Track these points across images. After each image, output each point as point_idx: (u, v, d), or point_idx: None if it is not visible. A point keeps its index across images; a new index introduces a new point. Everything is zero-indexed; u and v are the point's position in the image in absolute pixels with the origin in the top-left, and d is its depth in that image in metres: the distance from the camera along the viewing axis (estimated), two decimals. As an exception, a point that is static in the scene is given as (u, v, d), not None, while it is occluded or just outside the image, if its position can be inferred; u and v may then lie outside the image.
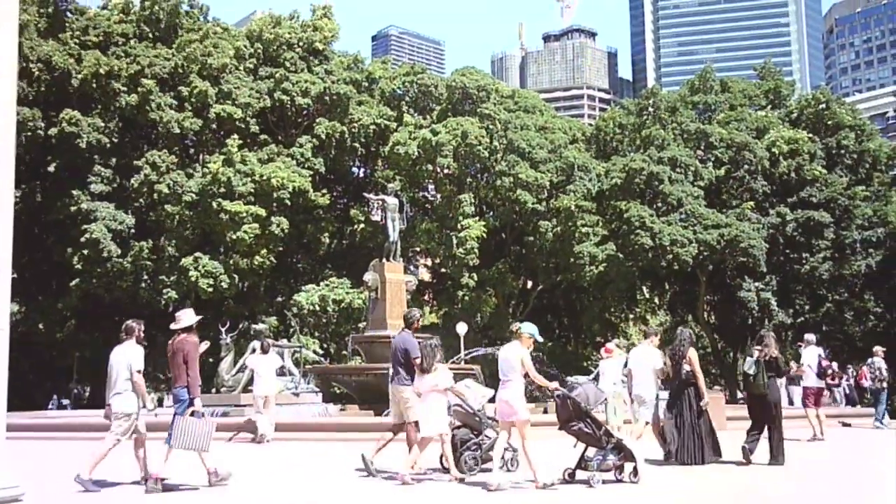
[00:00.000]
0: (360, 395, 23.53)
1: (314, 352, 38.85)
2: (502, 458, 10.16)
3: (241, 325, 31.67)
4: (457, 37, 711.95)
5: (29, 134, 39.87)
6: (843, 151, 49.62)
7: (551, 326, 54.14)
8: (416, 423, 10.60)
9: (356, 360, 28.36)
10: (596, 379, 25.27)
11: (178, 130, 41.93)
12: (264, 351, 17.33)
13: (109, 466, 10.39)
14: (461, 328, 36.96)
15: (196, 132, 43.08)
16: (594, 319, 50.41)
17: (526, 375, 9.83)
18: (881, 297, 47.99)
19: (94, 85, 41.13)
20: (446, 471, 10.75)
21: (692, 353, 12.00)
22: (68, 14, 45.28)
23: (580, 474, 9.99)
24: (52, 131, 40.00)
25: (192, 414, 9.90)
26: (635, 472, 10.13)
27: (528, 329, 10.12)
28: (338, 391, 27.73)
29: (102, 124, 41.12)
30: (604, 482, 9.79)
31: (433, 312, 51.20)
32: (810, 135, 48.77)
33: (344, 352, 38.87)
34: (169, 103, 42.13)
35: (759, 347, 12.48)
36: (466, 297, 44.92)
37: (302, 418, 20.10)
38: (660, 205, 45.04)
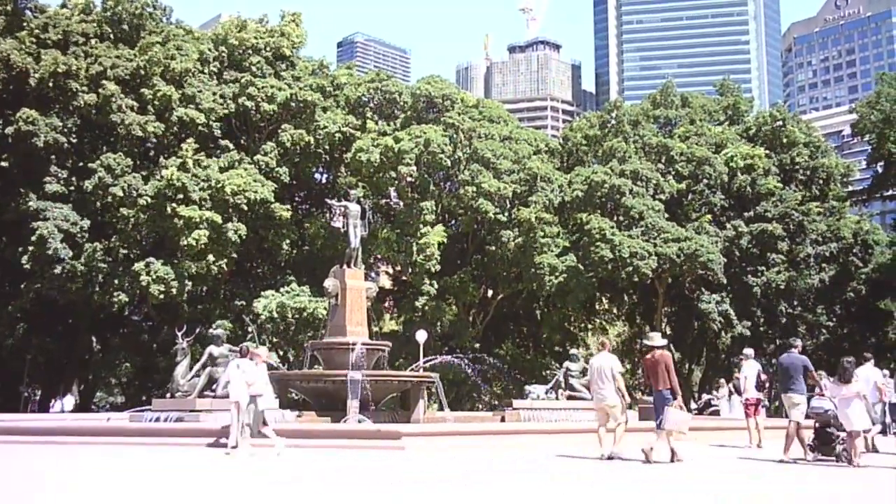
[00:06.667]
0: (317, 401, 23.30)
1: (274, 357, 38.41)
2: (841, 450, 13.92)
3: (197, 330, 31.27)
4: (423, 46, 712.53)
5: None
6: (797, 168, 50.59)
7: (511, 335, 54.33)
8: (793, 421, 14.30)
9: (319, 367, 28.16)
10: (555, 388, 25.51)
11: (140, 133, 41.34)
12: (242, 354, 16.64)
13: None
14: (421, 336, 36.89)
15: (158, 136, 42.53)
16: (554, 329, 50.69)
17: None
18: (833, 312, 48.98)
19: (52, 84, 40.36)
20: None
21: None
22: (27, 12, 44.45)
23: None
24: (9, 130, 39.20)
25: (676, 407, 13.61)
26: None
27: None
28: (295, 397, 27.49)
29: (60, 124, 40.39)
30: None
31: (393, 320, 51.03)
32: (766, 151, 49.69)
33: (302, 358, 38.54)
34: (130, 105, 41.52)
35: None
36: (427, 306, 44.87)
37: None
38: (621, 217, 45.45)
